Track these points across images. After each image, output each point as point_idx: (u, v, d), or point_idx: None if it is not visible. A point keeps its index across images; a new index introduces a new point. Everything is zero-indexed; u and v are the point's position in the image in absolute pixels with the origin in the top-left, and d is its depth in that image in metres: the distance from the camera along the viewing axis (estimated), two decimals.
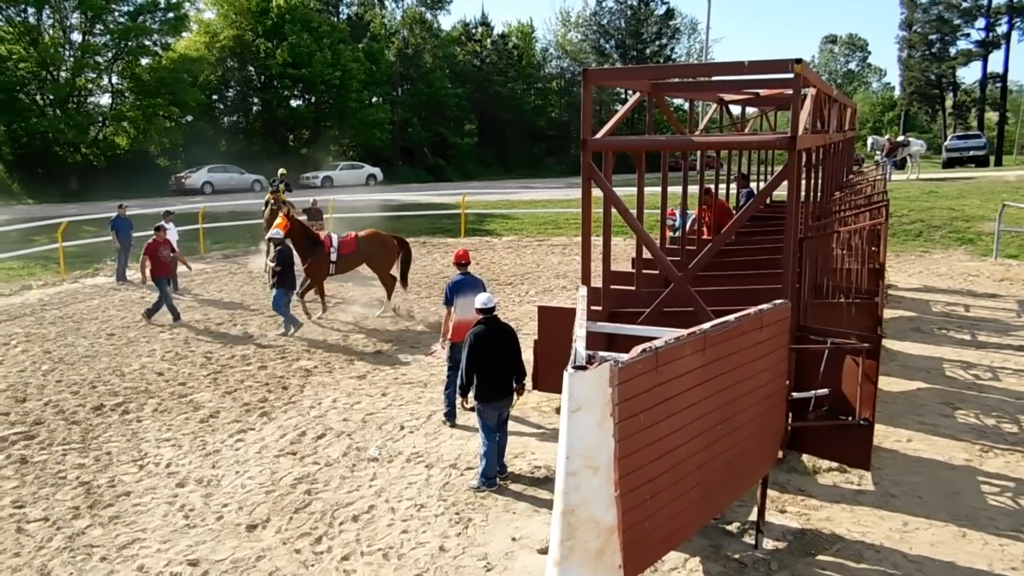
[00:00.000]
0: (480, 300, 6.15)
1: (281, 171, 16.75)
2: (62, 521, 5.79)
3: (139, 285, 14.24)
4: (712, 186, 11.31)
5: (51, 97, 30.80)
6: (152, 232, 11.76)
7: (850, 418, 5.84)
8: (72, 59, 31.10)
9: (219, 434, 7.43)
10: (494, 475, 6.05)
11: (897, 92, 62.44)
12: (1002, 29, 45.76)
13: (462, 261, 7.63)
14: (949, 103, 52.57)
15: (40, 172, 30.28)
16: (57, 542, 5.50)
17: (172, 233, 14.05)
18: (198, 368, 9.46)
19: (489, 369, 5.98)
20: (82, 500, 6.11)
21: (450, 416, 7.52)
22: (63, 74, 30.93)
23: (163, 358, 9.91)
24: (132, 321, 11.93)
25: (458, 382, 6.23)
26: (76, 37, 31.73)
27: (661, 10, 52.57)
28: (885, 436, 7.03)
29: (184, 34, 35.40)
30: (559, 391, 3.60)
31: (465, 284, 7.43)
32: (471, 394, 6.11)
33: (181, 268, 12.85)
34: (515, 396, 6.28)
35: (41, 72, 30.39)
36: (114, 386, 8.82)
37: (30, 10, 30.20)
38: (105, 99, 33.78)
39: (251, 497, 6.12)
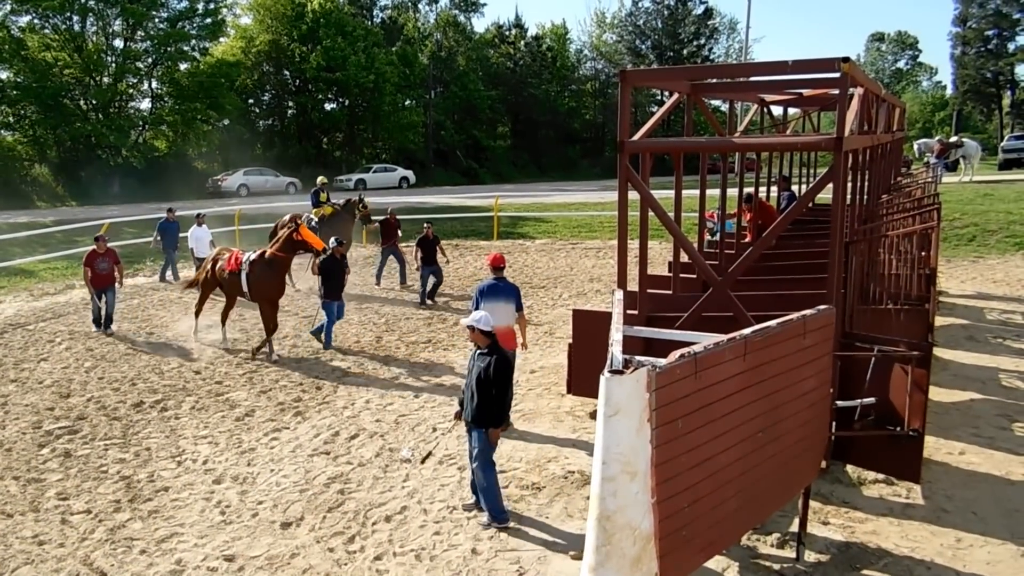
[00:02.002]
0: (472, 317, 5.60)
1: (321, 180, 16.50)
2: (104, 514, 5.99)
3: (179, 286, 14.51)
4: (751, 189, 11.16)
5: (94, 102, 31.77)
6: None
7: (899, 428, 5.69)
8: (114, 65, 32.15)
9: (254, 432, 7.61)
10: (504, 510, 5.65)
11: (949, 91, 60.61)
12: None
13: (497, 265, 7.45)
14: (1006, 102, 50.81)
15: (83, 175, 31.19)
16: (99, 534, 5.70)
17: (204, 235, 14.61)
18: (234, 367, 9.71)
19: (471, 394, 5.50)
20: (123, 494, 6.32)
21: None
22: (105, 80, 31.96)
23: (200, 357, 10.20)
24: (171, 320, 12.33)
25: (495, 412, 5.56)
26: (118, 44, 32.81)
27: (699, 9, 51.97)
28: (936, 448, 6.82)
29: (221, 39, 36.32)
30: (593, 395, 3.60)
31: (495, 290, 7.24)
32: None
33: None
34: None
35: (85, 78, 31.36)
36: (153, 383, 9.10)
37: (75, 18, 31.27)
38: (145, 104, 34.91)
39: (286, 495, 6.24)
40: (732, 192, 9.82)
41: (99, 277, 11.23)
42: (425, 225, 13.46)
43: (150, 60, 33.43)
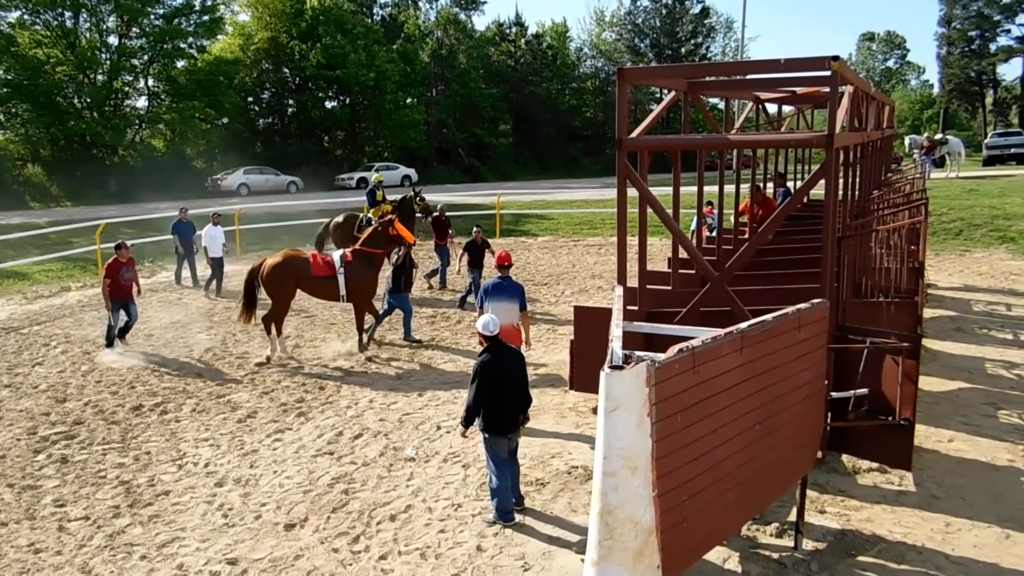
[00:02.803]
0: (479, 323, 5.55)
1: (376, 177, 15.33)
2: (103, 520, 5.76)
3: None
4: (748, 186, 11.04)
5: (88, 100, 30.23)
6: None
7: (890, 418, 5.63)
8: (109, 62, 30.81)
9: (257, 434, 7.36)
10: (510, 509, 5.55)
11: (936, 89, 60.29)
12: None
13: (503, 264, 7.38)
14: (989, 100, 50.56)
15: (78, 175, 29.61)
16: (98, 540, 5.47)
17: (218, 235, 13.87)
18: (235, 368, 9.41)
19: (497, 398, 5.39)
20: (122, 499, 6.08)
21: None
22: (100, 77, 30.64)
23: (201, 359, 9.86)
24: (170, 322, 11.87)
25: (463, 412, 5.61)
26: (112, 40, 31.49)
27: (696, 8, 51.59)
28: (927, 437, 6.77)
29: (219, 37, 35.15)
30: (596, 391, 3.52)
31: (499, 288, 7.18)
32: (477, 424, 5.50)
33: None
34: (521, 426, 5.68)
35: (78, 75, 29.85)
36: (153, 386, 8.77)
37: (67, 14, 29.65)
38: (142, 102, 33.57)
39: (289, 496, 6.06)
40: (729, 189, 9.70)
41: (122, 289, 9.98)
42: (475, 228, 12.67)
43: (146, 57, 31.96)
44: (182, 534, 5.54)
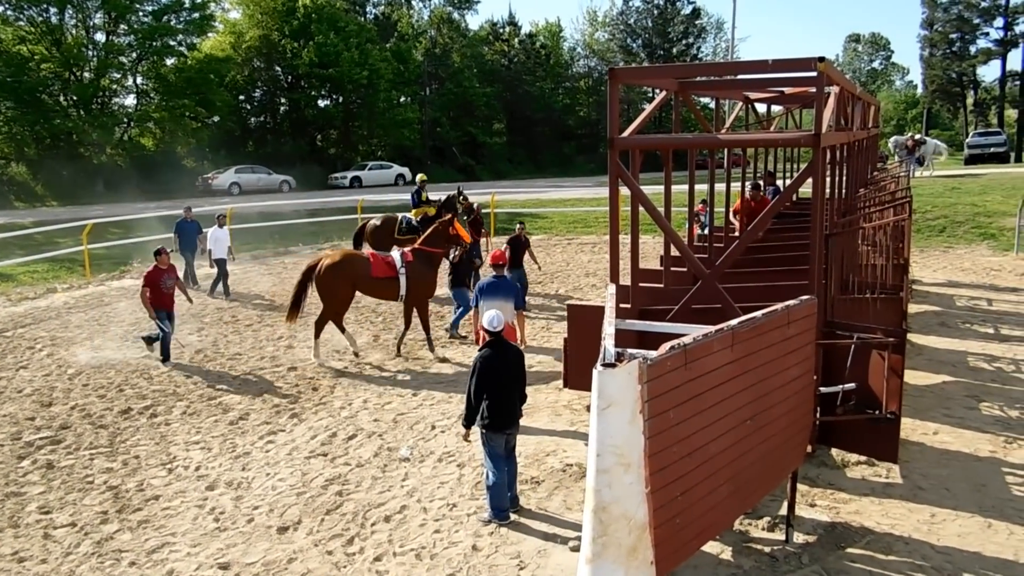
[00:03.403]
0: (485, 320, 5.48)
1: (421, 177, 14.79)
2: (90, 526, 5.56)
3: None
4: (738, 185, 11.03)
5: (75, 98, 29.24)
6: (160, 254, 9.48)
7: (877, 412, 5.63)
8: (96, 59, 29.98)
9: (249, 436, 7.17)
10: (505, 507, 5.48)
11: (920, 90, 60.62)
12: (1020, 28, 44.35)
13: (498, 263, 7.32)
14: (970, 101, 50.89)
15: (65, 174, 28.45)
16: (85, 548, 5.28)
17: (224, 237, 13.41)
18: (227, 370, 9.18)
19: (497, 394, 5.35)
20: (110, 504, 5.88)
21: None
22: (87, 75, 29.83)
23: (191, 360, 9.59)
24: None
25: (463, 409, 5.57)
26: (100, 37, 30.59)
27: (687, 9, 51.66)
28: (913, 429, 6.79)
29: (210, 34, 34.40)
30: (590, 389, 3.49)
31: (495, 287, 7.13)
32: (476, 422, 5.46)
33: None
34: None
35: (64, 73, 28.88)
36: (142, 389, 8.50)
37: (52, 10, 28.60)
38: (130, 100, 32.73)
39: (282, 499, 5.92)
40: (720, 187, 9.68)
41: (164, 298, 9.26)
42: (518, 225, 12.15)
43: (134, 55, 30.98)
44: (172, 539, 5.37)
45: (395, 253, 9.63)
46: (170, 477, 6.38)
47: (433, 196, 14.46)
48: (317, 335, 9.42)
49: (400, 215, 13.44)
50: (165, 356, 9.38)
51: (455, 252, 10.02)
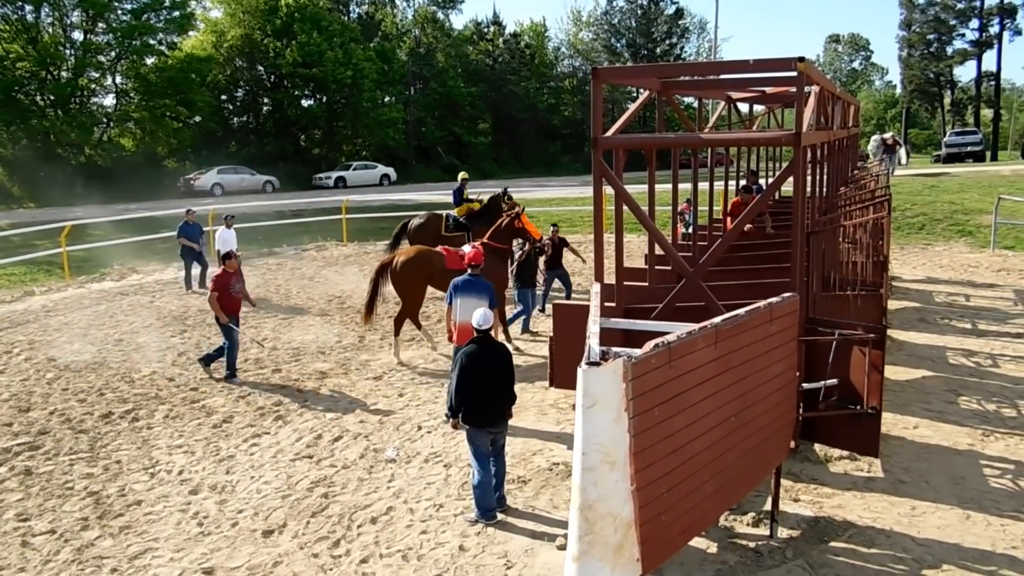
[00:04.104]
0: (476, 318, 5.46)
1: (463, 176, 14.57)
2: (70, 533, 5.44)
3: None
4: (721, 184, 11.10)
5: (52, 97, 28.81)
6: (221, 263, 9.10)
7: (859, 407, 5.70)
8: (73, 58, 29.49)
9: (233, 439, 7.07)
10: (492, 507, 5.43)
11: (898, 90, 61.48)
12: (994, 29, 45.17)
13: (472, 263, 7.36)
14: (947, 101, 51.71)
15: (42, 175, 27.81)
16: (65, 555, 5.16)
17: (231, 237, 12.91)
18: (211, 373, 9.00)
19: (480, 391, 5.32)
20: (91, 511, 5.76)
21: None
22: (64, 74, 29.37)
23: (174, 363, 9.40)
24: (141, 326, 11.24)
25: (447, 404, 5.60)
26: (77, 36, 30.13)
27: (671, 9, 51.96)
28: (894, 424, 6.87)
29: (191, 33, 34.04)
30: (575, 388, 3.49)
31: (470, 285, 7.14)
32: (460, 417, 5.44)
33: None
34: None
35: (41, 72, 28.40)
36: (123, 393, 8.34)
37: (28, 7, 28.12)
38: (109, 100, 32.19)
39: (267, 502, 5.85)
40: (703, 186, 9.74)
41: (233, 301, 8.85)
42: (552, 228, 11.84)
43: (113, 54, 30.56)
44: (155, 544, 5.28)
45: (467, 248, 9.59)
46: (152, 482, 6.27)
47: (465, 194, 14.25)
48: (397, 333, 9.35)
49: (445, 213, 13.39)
50: (231, 371, 8.81)
51: (522, 249, 9.91)
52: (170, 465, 6.58)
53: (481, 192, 15.12)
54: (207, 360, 9.01)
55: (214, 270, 9.26)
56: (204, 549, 5.23)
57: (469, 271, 7.34)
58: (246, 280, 14.68)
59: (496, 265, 9.36)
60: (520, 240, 9.86)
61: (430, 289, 9.53)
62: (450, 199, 14.82)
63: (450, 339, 7.35)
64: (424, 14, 46.99)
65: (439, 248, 9.72)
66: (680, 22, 52.47)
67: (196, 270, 13.90)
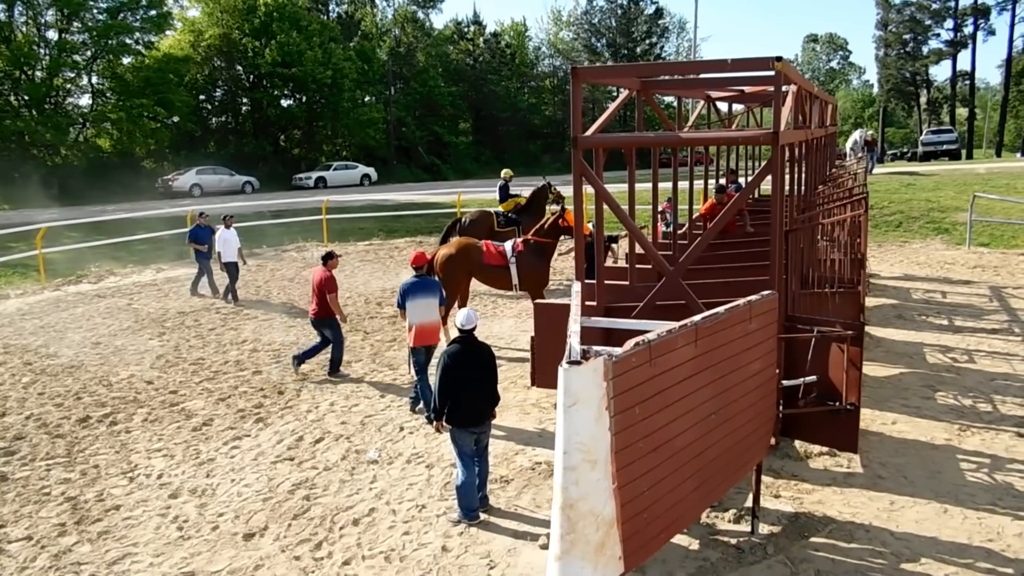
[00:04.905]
0: (459, 318, 5.47)
1: (506, 172, 14.56)
2: (47, 539, 5.39)
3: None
4: (701, 183, 11.19)
5: (26, 97, 28.62)
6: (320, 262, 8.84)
7: (837, 403, 5.78)
8: (48, 58, 29.17)
9: (213, 442, 7.03)
10: (475, 507, 5.45)
11: (875, 89, 62.47)
12: (969, 30, 46.11)
13: (416, 264, 7.49)
14: (923, 100, 52.66)
15: (16, 176, 27.60)
16: (42, 561, 5.11)
17: (232, 238, 12.65)
18: (190, 375, 8.94)
19: (463, 391, 5.32)
20: (68, 516, 5.70)
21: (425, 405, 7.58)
22: (39, 74, 29.06)
23: (152, 366, 9.32)
24: (119, 329, 11.09)
25: (431, 404, 5.58)
26: (52, 35, 29.83)
27: (650, 9, 52.41)
28: (872, 420, 6.98)
29: (168, 32, 33.77)
30: (557, 387, 3.50)
31: (416, 287, 7.27)
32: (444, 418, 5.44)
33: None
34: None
35: (15, 72, 28.22)
36: (101, 396, 8.25)
37: (0, 7, 28.17)
38: (85, 100, 31.86)
39: (248, 505, 5.82)
40: (683, 185, 9.81)
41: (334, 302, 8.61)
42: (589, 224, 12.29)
43: (89, 53, 30.30)
44: (134, 550, 5.24)
45: (507, 243, 9.76)
46: (131, 486, 6.22)
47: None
48: (444, 323, 9.36)
49: (493, 210, 13.57)
50: (337, 368, 8.85)
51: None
52: (149, 469, 6.52)
53: (464, 193, 15.12)
54: (301, 359, 8.89)
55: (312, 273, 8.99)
56: (184, 553, 5.19)
57: (414, 273, 7.46)
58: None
59: (535, 262, 9.48)
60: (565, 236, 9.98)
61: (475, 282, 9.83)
62: (429, 198, 14.83)
63: (410, 340, 7.42)
64: (404, 13, 46.88)
65: (482, 243, 9.91)
66: (660, 21, 52.96)
67: (207, 275, 13.44)
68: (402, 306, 7.31)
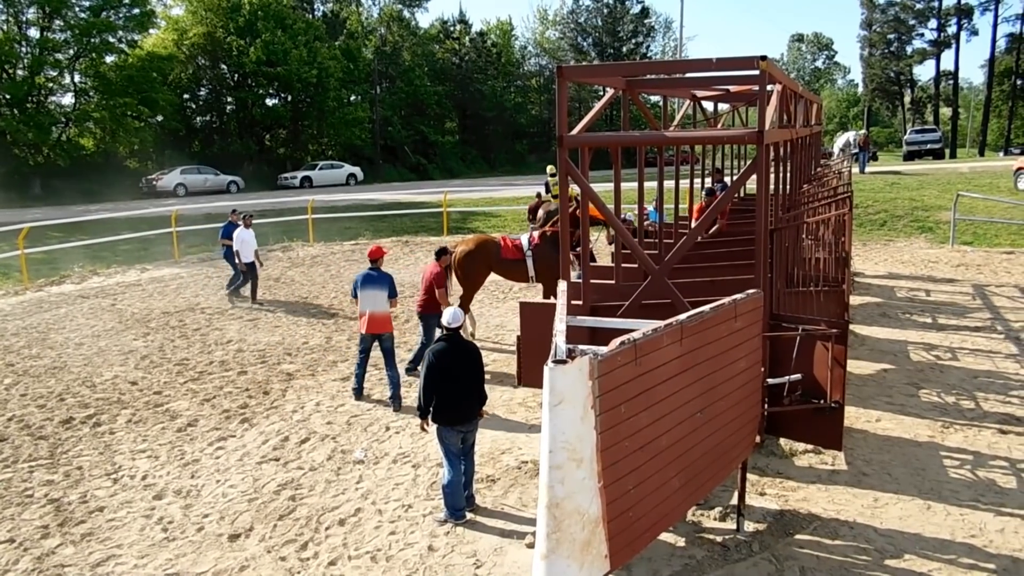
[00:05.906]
0: (446, 316, 5.49)
1: (552, 169, 14.55)
2: (30, 542, 5.36)
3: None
4: (687, 182, 11.25)
5: (8, 96, 28.40)
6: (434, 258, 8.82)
7: (822, 401, 5.83)
8: (30, 56, 28.96)
9: (198, 443, 7.01)
10: (462, 507, 5.48)
11: (860, 89, 63.14)
12: (952, 30, 46.75)
13: (373, 257, 7.88)
14: (908, 99, 53.32)
15: None
16: (24, 564, 5.08)
17: (250, 238, 12.25)
18: (174, 376, 8.91)
19: (449, 389, 5.34)
20: (51, 518, 5.68)
21: (357, 392, 8.06)
22: (20, 72, 28.82)
23: (137, 367, 9.28)
24: (103, 329, 11.03)
25: (417, 403, 5.58)
26: (33, 33, 29.62)
27: (636, 8, 52.70)
28: (856, 417, 7.06)
29: (151, 31, 33.61)
30: (543, 386, 3.51)
31: (368, 279, 7.71)
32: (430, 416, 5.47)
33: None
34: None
35: None
36: (84, 398, 8.21)
37: None
38: (68, 99, 31.61)
39: (233, 506, 5.81)
40: (669, 184, 9.85)
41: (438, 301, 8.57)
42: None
43: (71, 52, 30.13)
44: (118, 551, 5.23)
45: (523, 236, 9.97)
46: (115, 487, 6.19)
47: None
48: (466, 311, 9.74)
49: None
50: (414, 364, 8.72)
51: (608, 234, 10.03)
52: (133, 470, 6.49)
53: (450, 193, 15.09)
54: (415, 363, 8.67)
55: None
56: (169, 555, 5.18)
57: (370, 265, 7.86)
58: (209, 282, 14.53)
59: (554, 253, 9.45)
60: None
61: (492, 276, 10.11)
62: (415, 198, 14.90)
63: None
64: (390, 12, 46.78)
65: (499, 237, 10.18)
66: (646, 21, 53.26)
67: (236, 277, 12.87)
68: (354, 295, 7.82)
